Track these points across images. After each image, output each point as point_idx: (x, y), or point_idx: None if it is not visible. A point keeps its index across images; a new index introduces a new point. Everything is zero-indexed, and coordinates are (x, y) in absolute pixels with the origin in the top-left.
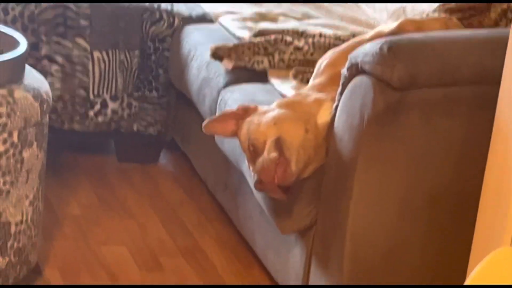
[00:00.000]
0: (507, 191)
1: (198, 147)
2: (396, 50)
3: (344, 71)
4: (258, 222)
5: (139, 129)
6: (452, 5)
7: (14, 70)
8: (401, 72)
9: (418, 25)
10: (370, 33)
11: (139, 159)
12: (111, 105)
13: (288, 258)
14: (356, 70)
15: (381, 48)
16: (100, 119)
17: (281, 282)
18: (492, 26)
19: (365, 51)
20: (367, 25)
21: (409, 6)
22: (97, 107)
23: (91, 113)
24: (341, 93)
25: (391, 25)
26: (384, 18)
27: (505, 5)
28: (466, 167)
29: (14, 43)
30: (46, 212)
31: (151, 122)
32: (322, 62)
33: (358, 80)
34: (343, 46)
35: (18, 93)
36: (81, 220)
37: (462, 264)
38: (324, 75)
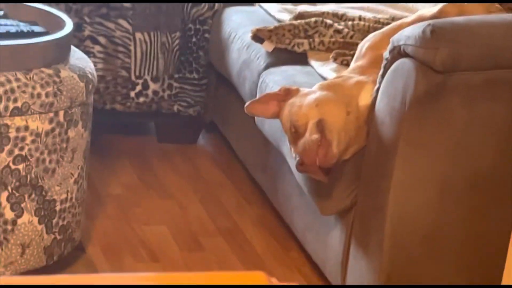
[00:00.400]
0: None
1: (237, 128)
2: (439, 33)
3: (386, 53)
4: (297, 204)
5: (179, 110)
6: None
7: (60, 50)
8: (443, 55)
9: (460, 9)
10: (411, 16)
11: (179, 140)
12: (152, 86)
13: (328, 240)
14: (398, 53)
15: (424, 31)
16: (141, 99)
17: (320, 263)
18: None
19: (408, 34)
20: (406, 9)
21: None
22: (139, 88)
23: (133, 93)
24: (383, 76)
25: (432, 9)
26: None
27: None
28: (508, 152)
29: (60, 24)
30: (89, 191)
31: (191, 103)
32: (364, 44)
33: (400, 63)
34: (385, 29)
35: (64, 73)
36: (123, 200)
37: (501, 251)
38: (366, 58)
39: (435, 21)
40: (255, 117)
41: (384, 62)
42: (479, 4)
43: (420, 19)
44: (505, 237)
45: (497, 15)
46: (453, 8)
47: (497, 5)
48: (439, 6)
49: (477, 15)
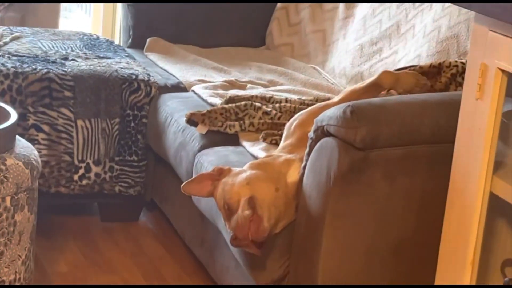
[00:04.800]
0: (465, 241)
1: (176, 206)
2: (358, 113)
3: (310, 133)
4: (234, 275)
5: (121, 191)
6: (406, 70)
7: (6, 140)
8: (363, 133)
9: (396, 76)
10: (341, 93)
11: (121, 218)
12: (94, 169)
13: None
14: (322, 132)
15: (344, 112)
16: (84, 182)
17: None
18: (442, 90)
19: (330, 115)
20: (328, 90)
21: (366, 72)
22: (82, 171)
23: (76, 177)
24: (309, 154)
25: (367, 80)
26: (344, 83)
27: (454, 70)
28: (426, 219)
29: (5, 115)
30: (36, 270)
31: (132, 184)
32: (292, 123)
33: (324, 141)
34: (312, 107)
35: (10, 161)
36: (69, 277)
37: None
38: (294, 136)
39: (354, 102)
40: (192, 196)
41: (309, 141)
42: (411, 74)
43: (353, 93)
44: None
45: (411, 96)
46: (389, 76)
47: (424, 78)
48: (375, 76)
49: (409, 83)
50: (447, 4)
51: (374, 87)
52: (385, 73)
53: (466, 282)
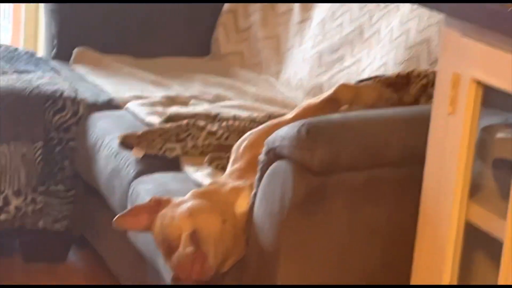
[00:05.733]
0: (438, 276)
1: (110, 242)
2: (314, 132)
3: (261, 156)
4: None
5: (46, 226)
6: (370, 82)
7: None
8: (321, 155)
9: (355, 90)
10: (296, 109)
11: (47, 258)
12: (14, 202)
13: None
14: (274, 155)
15: (299, 131)
16: (2, 217)
17: None
18: (412, 103)
19: (283, 135)
20: (283, 105)
21: (326, 83)
22: None
23: None
24: (260, 180)
25: (323, 95)
26: (301, 97)
27: (424, 80)
28: (394, 252)
29: None
30: None
31: (58, 218)
32: (241, 144)
33: (276, 165)
34: (263, 126)
35: None
36: None
37: None
38: (243, 160)
39: (310, 120)
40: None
41: (260, 165)
42: (373, 88)
43: (308, 109)
44: None
45: (375, 111)
46: (348, 89)
47: (388, 90)
48: (331, 89)
49: (371, 98)
50: (416, 5)
51: (331, 103)
52: (343, 86)
53: None
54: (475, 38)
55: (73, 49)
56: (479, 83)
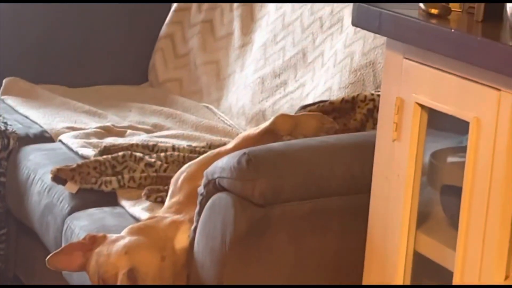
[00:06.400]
0: None
1: (46, 282)
2: (256, 162)
3: (200, 189)
4: None
5: None
6: (314, 107)
7: None
8: (263, 186)
9: (294, 120)
10: (234, 140)
11: None
12: None
13: None
14: (213, 187)
15: (239, 162)
16: None
17: None
18: (358, 129)
19: (223, 166)
20: (225, 133)
21: (269, 110)
22: None
23: None
24: (199, 213)
25: (261, 125)
26: (243, 124)
27: (370, 104)
28: (342, 282)
29: None
30: None
31: None
32: (179, 177)
33: (216, 198)
34: (202, 157)
35: None
36: None
37: None
38: (182, 192)
39: (251, 149)
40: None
41: (199, 197)
42: (312, 116)
43: (247, 140)
44: None
45: (318, 139)
46: (287, 119)
47: (328, 117)
48: (269, 120)
49: (311, 127)
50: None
51: (270, 134)
52: (281, 117)
53: None
54: (418, 61)
55: (2, 79)
56: (423, 107)
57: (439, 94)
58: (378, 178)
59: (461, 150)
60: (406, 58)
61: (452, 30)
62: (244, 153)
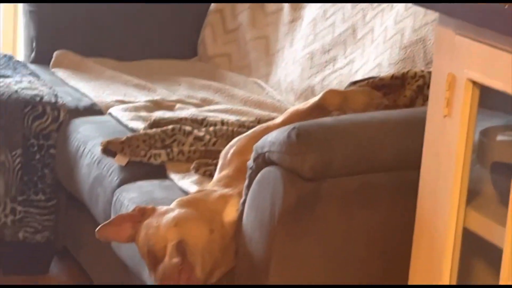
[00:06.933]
0: (435, 281)
1: (93, 254)
2: (305, 137)
3: (250, 162)
4: None
5: (26, 237)
6: (364, 82)
7: None
8: (312, 161)
9: (343, 95)
10: (283, 114)
11: (27, 270)
12: None
13: None
14: (263, 161)
15: (289, 136)
16: None
17: None
18: (407, 105)
19: (272, 140)
20: (273, 109)
21: (318, 85)
22: None
23: None
24: (248, 187)
25: (310, 100)
26: (292, 100)
27: (420, 81)
28: (390, 259)
29: None
30: None
31: (39, 229)
32: (228, 151)
33: (266, 172)
34: (251, 131)
35: None
36: None
37: None
38: (231, 166)
39: (301, 123)
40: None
41: (248, 171)
42: (361, 91)
43: (296, 115)
44: None
45: (369, 114)
46: (336, 95)
47: (378, 93)
48: (318, 95)
49: (360, 103)
50: (410, 3)
51: (319, 109)
52: (330, 92)
53: None
54: (470, 37)
55: (53, 52)
56: (475, 83)
57: (491, 70)
58: (428, 154)
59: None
60: (458, 34)
61: (506, 6)
62: (294, 127)
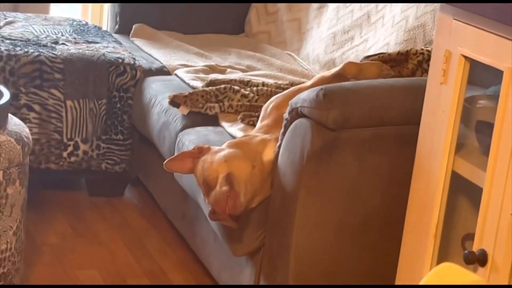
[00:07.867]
0: (428, 216)
1: (159, 182)
2: (330, 96)
3: (285, 115)
4: (213, 247)
5: (107, 168)
6: (375, 57)
7: None
8: (335, 115)
9: (359, 67)
10: (313, 79)
11: (107, 193)
12: (82, 147)
13: (240, 277)
14: (296, 113)
15: (317, 95)
16: (72, 159)
17: None
18: (409, 76)
19: (304, 97)
20: (303, 76)
21: (338, 58)
22: (70, 149)
23: (65, 154)
24: (284, 134)
25: (333, 69)
26: (317, 69)
27: (420, 57)
28: (392, 195)
29: None
30: (27, 241)
31: (117, 161)
32: (269, 105)
33: (298, 122)
34: (287, 91)
35: (3, 138)
36: (58, 248)
37: (390, 279)
38: (270, 117)
39: (326, 86)
40: (174, 172)
41: (284, 122)
42: (373, 64)
43: (322, 80)
44: (392, 267)
45: (381, 80)
46: (353, 66)
47: (386, 66)
48: (339, 66)
49: (372, 73)
50: None
51: (339, 77)
52: (349, 64)
53: (429, 253)
54: (464, 21)
55: (133, 25)
56: (466, 58)
57: (480, 48)
58: (426, 113)
59: (495, 97)
60: (455, 19)
61: None
62: (321, 89)
